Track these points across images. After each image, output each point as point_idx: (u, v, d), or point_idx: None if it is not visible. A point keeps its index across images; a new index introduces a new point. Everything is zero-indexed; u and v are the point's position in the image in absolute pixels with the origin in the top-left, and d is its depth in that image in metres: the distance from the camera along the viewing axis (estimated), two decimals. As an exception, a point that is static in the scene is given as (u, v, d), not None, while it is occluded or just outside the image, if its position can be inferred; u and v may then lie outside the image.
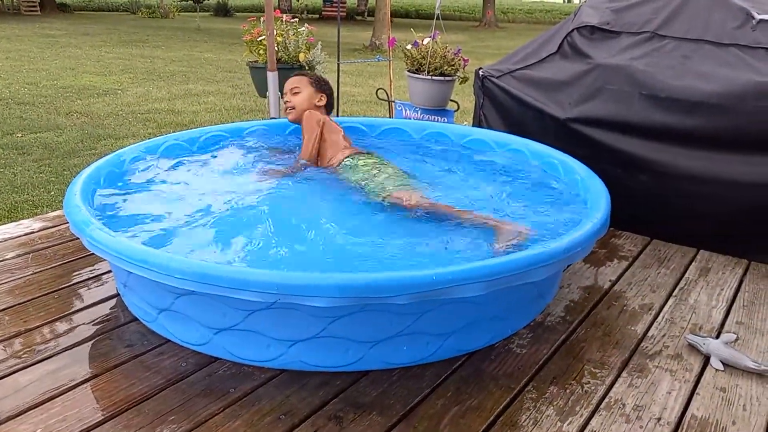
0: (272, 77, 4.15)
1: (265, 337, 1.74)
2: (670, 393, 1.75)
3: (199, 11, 27.46)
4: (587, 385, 1.77)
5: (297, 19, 4.88)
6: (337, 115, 5.67)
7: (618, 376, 1.83)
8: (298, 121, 2.98)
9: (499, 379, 1.78)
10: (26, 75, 10.74)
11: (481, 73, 3.40)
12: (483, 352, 1.91)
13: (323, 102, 3.03)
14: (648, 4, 3.08)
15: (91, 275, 2.34)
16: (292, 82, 3.04)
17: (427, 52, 3.88)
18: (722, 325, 2.12)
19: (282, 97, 3.08)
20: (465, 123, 4.38)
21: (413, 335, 1.78)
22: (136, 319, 2.03)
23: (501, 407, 1.66)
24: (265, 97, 4.61)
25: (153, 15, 27.33)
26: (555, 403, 1.69)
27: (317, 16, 28.28)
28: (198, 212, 2.34)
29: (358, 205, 2.45)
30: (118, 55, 14.00)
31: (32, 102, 8.50)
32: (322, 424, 1.58)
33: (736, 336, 2.02)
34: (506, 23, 33.02)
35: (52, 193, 4.98)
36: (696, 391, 1.77)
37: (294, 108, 2.98)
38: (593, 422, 1.62)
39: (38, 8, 25.82)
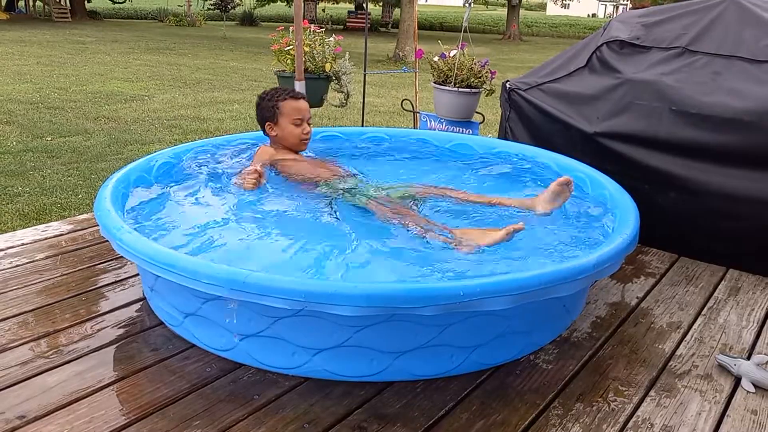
0: (299, 86, 4.18)
1: (290, 344, 1.75)
2: (699, 414, 1.72)
3: (225, 20, 27.84)
4: (614, 403, 1.75)
5: (324, 30, 4.92)
6: (361, 125, 5.70)
7: (645, 395, 1.80)
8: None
9: (524, 395, 1.76)
10: (56, 80, 10.95)
11: (508, 85, 3.39)
12: (508, 366, 1.89)
13: None
14: (679, 20, 3.06)
15: (118, 278, 2.36)
16: (308, 108, 2.81)
17: (454, 63, 3.88)
18: (753, 346, 2.08)
19: (302, 123, 2.77)
20: (489, 135, 4.37)
21: (438, 347, 1.77)
22: (161, 323, 2.05)
23: (526, 423, 1.64)
24: (291, 105, 4.63)
25: (180, 23, 27.77)
26: (581, 420, 1.67)
27: (341, 26, 28.50)
28: (228, 218, 2.36)
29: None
30: (145, 62, 14.23)
31: (62, 106, 8.66)
32: (346, 434, 1.57)
33: None
34: (530, 36, 33.01)
35: (80, 196, 5.06)
36: (726, 413, 1.73)
37: None
38: (621, 441, 1.60)
39: (69, 15, 26.38)
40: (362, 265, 2.04)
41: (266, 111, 2.78)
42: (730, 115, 2.60)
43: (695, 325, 2.19)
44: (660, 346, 2.05)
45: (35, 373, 1.76)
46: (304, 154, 2.88)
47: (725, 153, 2.63)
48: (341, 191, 2.58)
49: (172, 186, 2.63)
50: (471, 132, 4.05)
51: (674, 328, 2.17)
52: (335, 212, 2.43)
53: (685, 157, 2.74)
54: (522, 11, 35.73)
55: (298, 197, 2.56)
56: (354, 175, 2.76)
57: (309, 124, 2.80)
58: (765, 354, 2.01)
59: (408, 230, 2.25)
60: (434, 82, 4.05)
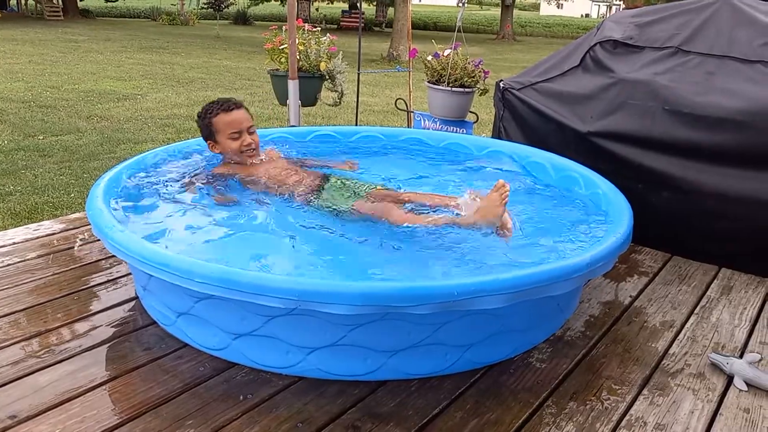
0: (293, 85, 4.18)
1: (284, 343, 1.74)
2: (692, 412, 1.72)
3: (219, 19, 27.77)
4: (607, 402, 1.75)
5: (318, 29, 4.91)
6: (355, 124, 5.70)
7: (639, 393, 1.80)
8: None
9: (518, 393, 1.76)
10: (48, 79, 10.90)
11: (502, 85, 3.39)
12: (502, 365, 1.89)
13: None
14: (672, 20, 3.07)
15: (110, 278, 2.35)
16: (248, 117, 2.61)
17: (447, 63, 3.89)
18: (745, 344, 2.09)
19: (241, 135, 2.57)
20: (483, 135, 4.37)
21: (432, 346, 1.77)
22: (154, 323, 2.04)
23: (520, 422, 1.64)
24: (285, 105, 4.63)
25: (173, 22, 27.68)
26: (575, 419, 1.67)
27: (335, 26, 28.46)
28: (222, 218, 2.35)
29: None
30: (138, 61, 14.17)
31: (54, 105, 8.62)
32: (340, 433, 1.57)
33: (760, 356, 1.98)
34: (524, 36, 33.09)
35: (72, 195, 5.03)
36: (719, 412, 1.74)
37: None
38: (614, 440, 1.60)
39: (61, 13, 26.27)
40: (356, 265, 2.04)
41: (204, 130, 2.62)
42: (724, 114, 2.61)
43: (688, 324, 2.20)
44: (653, 345, 2.06)
45: (27, 372, 1.75)
46: (285, 157, 2.83)
47: (719, 153, 2.64)
48: (319, 194, 2.55)
49: (165, 185, 2.61)
50: (465, 131, 4.06)
51: (667, 326, 2.18)
52: (318, 215, 2.42)
53: (679, 156, 2.75)
54: (515, 11, 35.80)
55: (282, 202, 2.53)
56: (327, 176, 2.66)
57: (251, 133, 2.60)
58: (757, 352, 2.02)
59: (398, 227, 2.25)
60: (428, 82, 4.05)
